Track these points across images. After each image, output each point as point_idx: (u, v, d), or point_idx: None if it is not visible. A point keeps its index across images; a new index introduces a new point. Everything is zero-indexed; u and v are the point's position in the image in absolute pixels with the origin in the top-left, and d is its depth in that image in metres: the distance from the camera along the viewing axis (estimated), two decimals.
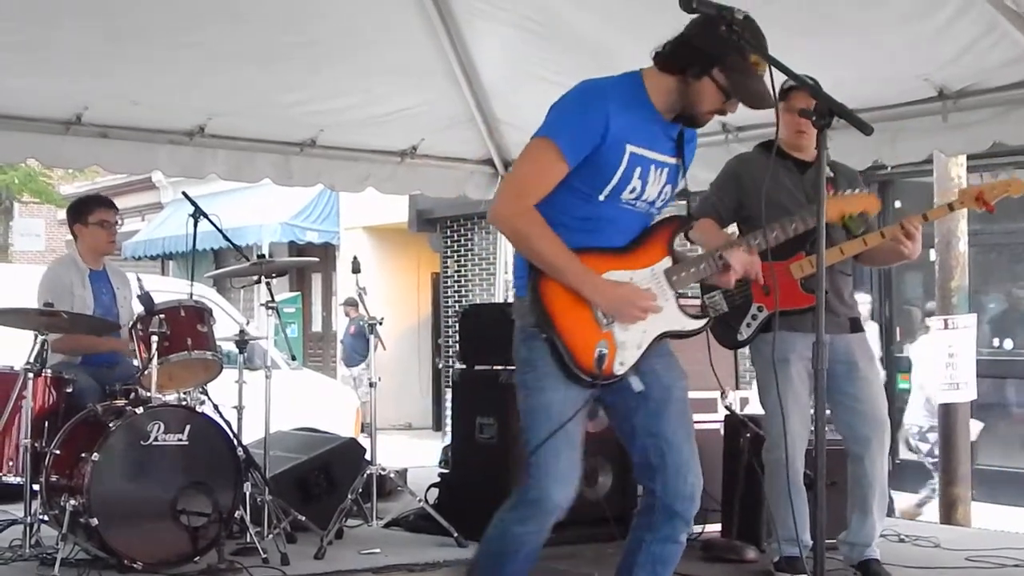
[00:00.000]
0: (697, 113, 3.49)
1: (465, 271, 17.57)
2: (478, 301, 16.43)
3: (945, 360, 8.74)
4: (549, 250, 3.39)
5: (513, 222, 3.44)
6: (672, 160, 3.57)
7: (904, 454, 10.79)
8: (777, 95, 3.52)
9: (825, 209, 3.52)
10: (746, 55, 3.37)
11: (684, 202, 3.77)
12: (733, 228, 5.33)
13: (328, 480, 6.52)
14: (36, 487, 5.41)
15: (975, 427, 9.53)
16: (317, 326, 21.63)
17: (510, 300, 8.41)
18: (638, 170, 3.47)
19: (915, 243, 4.89)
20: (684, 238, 3.86)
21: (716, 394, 6.47)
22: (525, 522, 3.46)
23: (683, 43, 3.45)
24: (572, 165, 3.40)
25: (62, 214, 25.48)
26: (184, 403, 5.63)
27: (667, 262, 3.56)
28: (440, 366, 18.31)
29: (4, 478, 5.56)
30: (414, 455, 11.80)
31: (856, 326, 5.23)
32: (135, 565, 5.17)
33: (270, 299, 6.27)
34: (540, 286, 3.40)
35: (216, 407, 5.79)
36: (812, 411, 4.16)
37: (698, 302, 3.81)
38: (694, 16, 3.39)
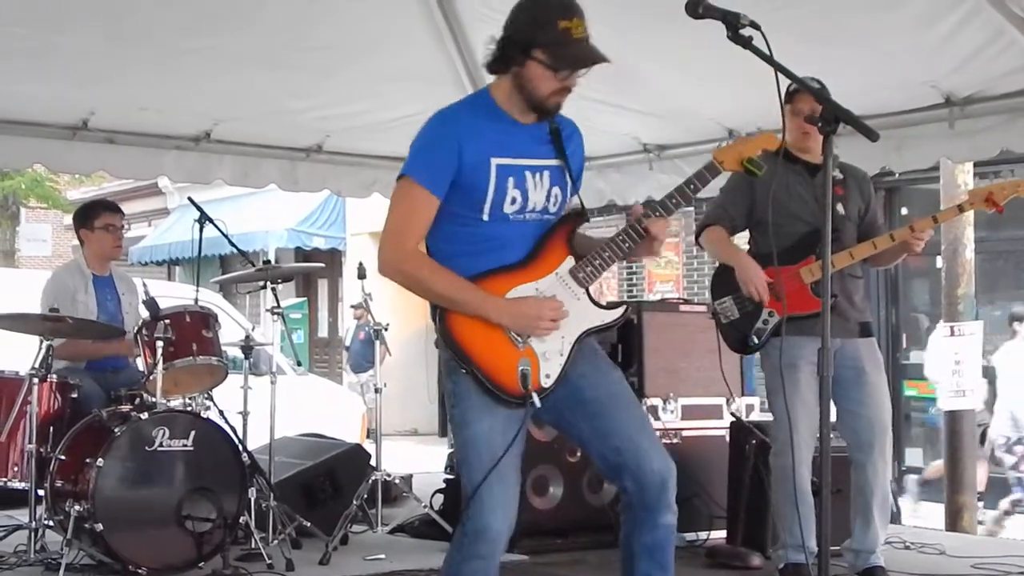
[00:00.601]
0: (540, 99, 3.44)
1: None
2: None
3: (951, 367, 8.74)
4: (442, 285, 3.38)
5: (400, 268, 3.42)
6: (551, 162, 3.52)
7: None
8: (783, 99, 3.51)
9: (724, 159, 3.50)
10: (555, 25, 3.36)
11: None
12: (744, 235, 5.32)
13: (333, 486, 6.52)
14: (41, 492, 5.42)
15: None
16: (323, 332, 21.62)
17: None
18: (511, 180, 3.44)
19: (923, 243, 4.92)
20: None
21: (722, 400, 6.47)
22: (471, 559, 3.41)
23: (501, 40, 3.48)
24: (440, 196, 3.39)
25: (69, 219, 25.55)
26: (189, 409, 5.63)
27: (569, 262, 3.50)
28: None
29: (9, 483, 5.58)
30: (420, 461, 11.78)
31: (866, 330, 5.21)
32: (140, 570, 5.17)
33: (275, 305, 6.27)
34: (448, 321, 3.39)
35: (221, 413, 5.79)
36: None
37: (611, 292, 3.74)
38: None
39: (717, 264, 5.26)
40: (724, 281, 5.15)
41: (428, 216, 3.42)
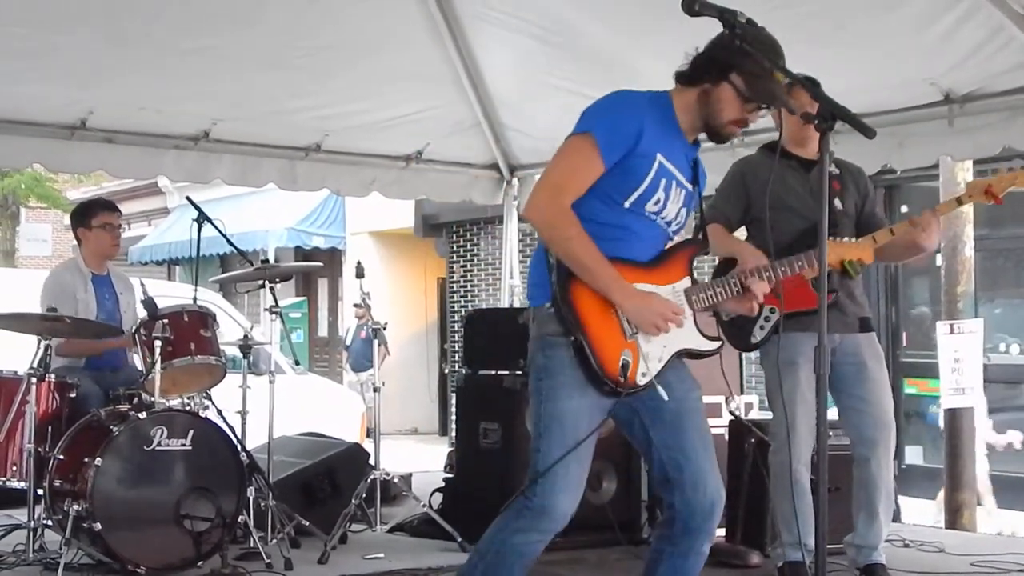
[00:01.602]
0: (720, 124, 3.51)
1: (471, 276, 17.57)
2: (484, 306, 16.43)
3: (951, 365, 8.73)
4: (585, 252, 3.38)
5: (551, 221, 3.42)
6: (688, 185, 3.61)
7: None
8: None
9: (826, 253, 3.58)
10: (761, 60, 3.42)
11: (698, 214, 3.77)
12: (742, 232, 5.30)
13: (332, 485, 6.52)
14: (40, 492, 5.41)
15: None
16: (323, 331, 21.63)
17: (516, 305, 8.45)
18: (663, 182, 3.50)
19: (931, 233, 4.88)
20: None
21: (721, 399, 6.45)
22: (527, 531, 3.44)
23: (700, 55, 3.52)
24: (608, 165, 3.42)
25: (68, 219, 25.53)
26: (188, 408, 5.63)
27: (687, 282, 3.60)
28: (446, 371, 18.31)
29: (8, 483, 5.57)
30: (420, 460, 11.78)
31: (866, 325, 5.20)
32: (139, 570, 5.16)
33: (274, 304, 6.27)
34: (571, 289, 3.40)
35: (220, 412, 5.78)
36: None
37: (713, 323, 3.81)
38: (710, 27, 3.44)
39: (716, 262, 5.24)
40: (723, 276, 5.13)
41: (591, 180, 3.44)
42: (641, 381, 3.44)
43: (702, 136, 3.62)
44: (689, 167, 3.61)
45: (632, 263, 3.49)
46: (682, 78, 3.56)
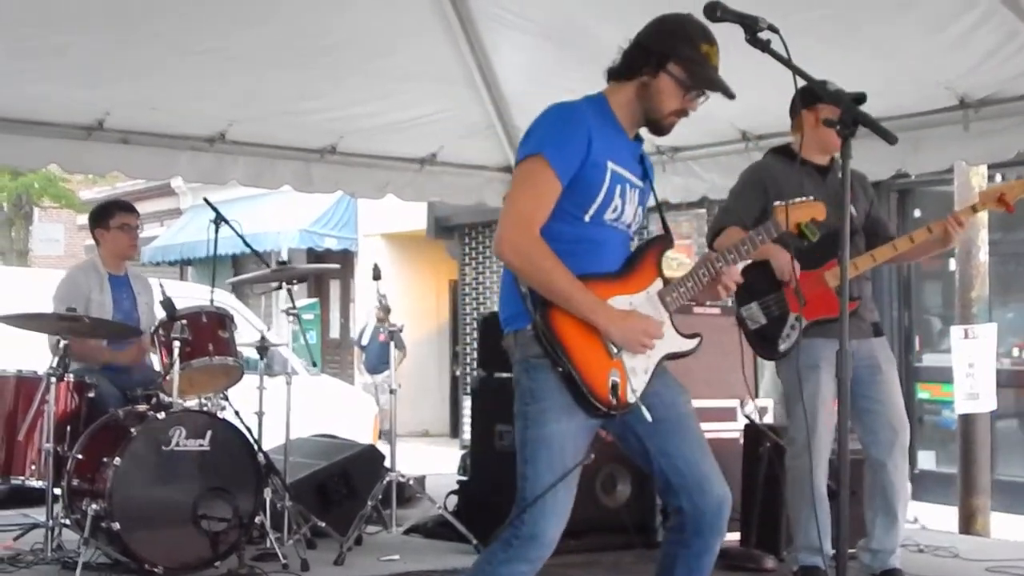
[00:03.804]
0: (661, 116, 3.49)
1: (483, 278, 17.58)
2: (496, 308, 16.41)
3: (965, 370, 8.72)
4: (560, 280, 3.32)
5: (524, 252, 3.35)
6: (639, 182, 3.58)
7: None
8: (798, 101, 3.54)
9: (779, 220, 3.60)
10: (697, 46, 3.41)
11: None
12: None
13: (348, 486, 6.54)
14: (58, 491, 5.44)
15: None
16: (335, 332, 21.65)
17: None
18: (618, 188, 3.46)
19: (956, 235, 4.91)
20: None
21: (735, 403, 6.47)
22: (516, 561, 3.37)
23: (632, 48, 3.50)
24: (565, 183, 3.37)
25: (82, 219, 25.64)
26: (205, 409, 5.66)
27: (659, 283, 3.55)
28: (457, 373, 18.32)
29: (27, 482, 5.61)
30: (431, 462, 11.80)
31: (878, 330, 5.23)
32: (156, 569, 5.20)
33: (291, 305, 6.29)
34: (551, 317, 3.34)
35: (237, 413, 5.81)
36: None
37: (689, 321, 3.77)
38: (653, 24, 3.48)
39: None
40: (748, 286, 5.11)
41: (553, 201, 3.38)
42: (632, 399, 3.40)
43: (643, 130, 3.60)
44: (637, 164, 3.58)
45: (603, 276, 3.44)
46: (616, 74, 3.53)
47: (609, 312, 3.36)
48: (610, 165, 3.43)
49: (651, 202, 3.72)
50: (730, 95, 3.44)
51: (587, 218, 3.43)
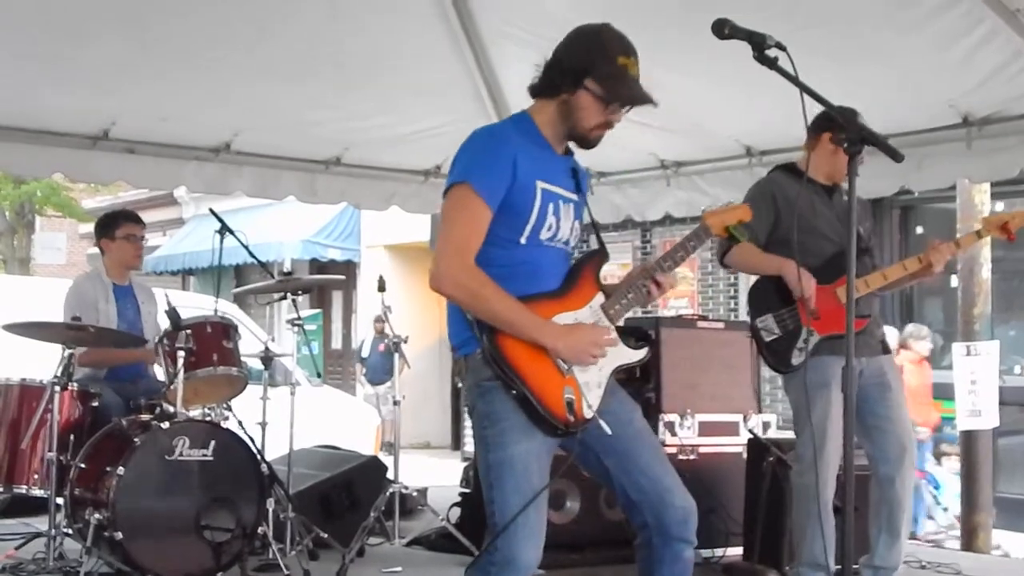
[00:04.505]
0: (585, 130, 3.47)
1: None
2: None
3: (967, 387, 8.73)
4: (502, 306, 3.30)
5: (462, 283, 3.33)
6: (574, 196, 3.56)
7: None
8: (809, 124, 3.53)
9: (709, 224, 3.59)
10: (613, 59, 3.40)
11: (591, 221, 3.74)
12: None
13: (351, 498, 6.54)
14: (60, 500, 5.44)
15: None
16: (337, 343, 21.66)
17: None
18: (551, 206, 3.45)
19: (939, 266, 4.96)
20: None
21: (739, 417, 6.48)
22: None
23: (551, 65, 3.49)
24: (494, 208, 3.35)
25: (84, 228, 25.66)
26: (209, 418, 5.66)
27: (600, 297, 3.52)
28: (459, 385, 18.31)
29: (30, 491, 5.60)
30: (433, 474, 11.81)
31: (886, 347, 5.24)
32: None
33: (296, 316, 6.30)
34: (498, 342, 3.31)
35: (240, 423, 5.82)
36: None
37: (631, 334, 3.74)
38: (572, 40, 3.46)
39: (752, 282, 5.25)
40: (763, 299, 5.12)
41: (484, 228, 3.35)
42: (589, 414, 3.38)
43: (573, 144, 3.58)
44: (569, 178, 3.55)
45: (545, 296, 3.42)
46: (538, 92, 3.52)
47: (553, 329, 3.34)
48: (539, 184, 3.41)
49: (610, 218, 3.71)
50: (652, 104, 3.42)
51: (523, 240, 3.41)
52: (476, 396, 3.41)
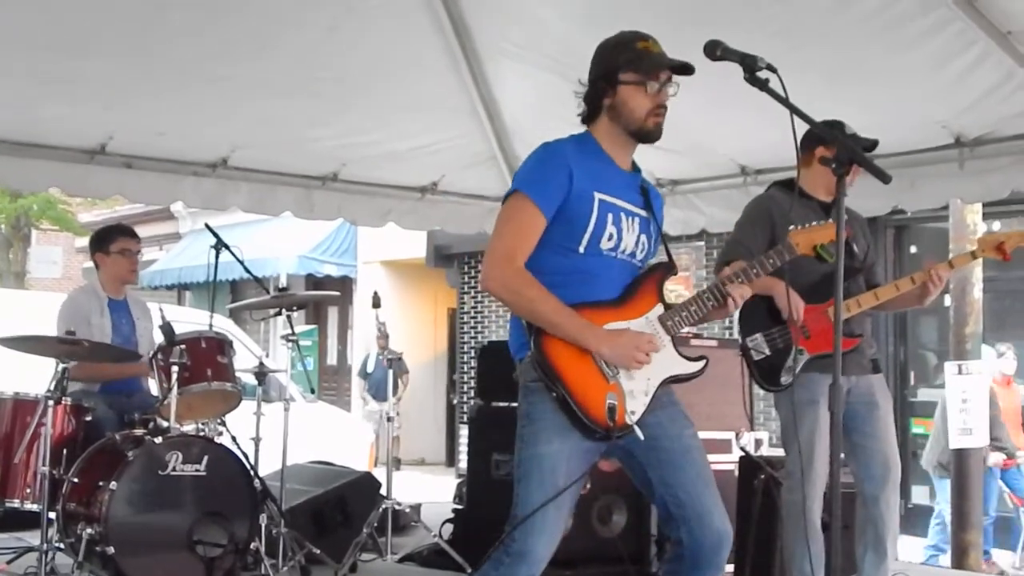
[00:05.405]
0: (640, 122, 3.58)
1: (482, 307, 17.60)
2: (494, 337, 16.44)
3: (959, 405, 8.75)
4: (548, 308, 3.41)
5: (510, 285, 3.46)
6: (641, 211, 3.65)
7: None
8: (799, 143, 3.57)
9: (796, 242, 3.65)
10: (633, 47, 3.56)
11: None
12: None
13: (344, 513, 6.55)
14: (53, 515, 5.44)
15: None
16: (332, 359, 21.67)
17: None
18: (610, 216, 3.54)
19: (941, 287, 4.97)
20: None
21: (731, 435, 6.49)
22: None
23: (588, 87, 3.66)
24: (548, 217, 3.47)
25: (80, 242, 25.68)
26: (202, 434, 5.67)
27: (659, 308, 3.60)
28: (455, 402, 18.32)
29: (22, 505, 5.60)
30: (427, 490, 11.81)
31: (876, 366, 5.25)
32: None
33: (291, 332, 6.32)
34: (543, 344, 3.41)
35: (234, 438, 5.83)
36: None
37: (696, 346, 3.81)
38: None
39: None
40: (753, 318, 5.14)
41: (537, 235, 3.48)
42: (631, 420, 3.44)
43: (643, 148, 3.68)
44: (638, 195, 3.66)
45: (599, 304, 3.50)
46: (588, 115, 3.67)
47: (598, 333, 3.42)
48: (597, 195, 3.52)
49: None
50: (689, 69, 3.53)
51: (581, 249, 3.51)
52: (521, 396, 3.52)
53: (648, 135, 3.61)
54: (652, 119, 3.58)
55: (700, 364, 3.64)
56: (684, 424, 3.61)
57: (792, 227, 3.79)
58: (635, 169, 3.71)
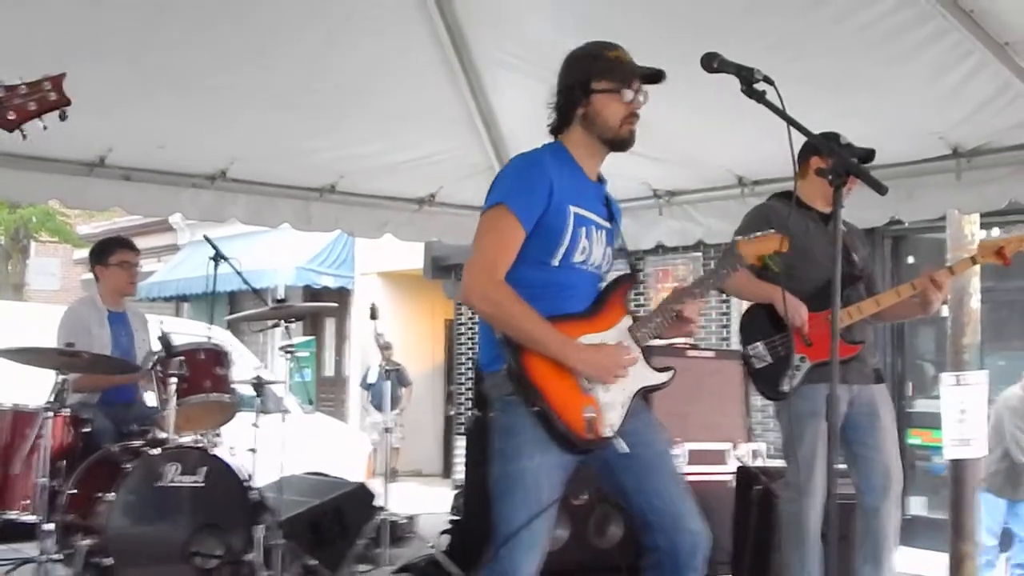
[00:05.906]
0: (614, 129, 3.61)
1: (479, 319, 17.58)
2: None
3: (956, 416, 8.74)
4: (528, 323, 3.41)
5: (491, 297, 3.45)
6: (606, 223, 3.68)
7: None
8: (796, 156, 3.58)
9: (746, 252, 3.69)
10: (604, 55, 3.59)
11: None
12: None
13: (340, 524, 6.55)
14: (51, 526, 5.42)
15: None
16: (330, 371, 21.65)
17: None
18: (583, 230, 3.56)
19: (942, 294, 4.96)
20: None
21: (728, 446, 6.50)
22: None
23: (558, 96, 3.66)
24: (528, 229, 3.48)
25: (79, 253, 25.69)
26: (200, 445, 5.67)
27: (628, 320, 3.64)
28: (451, 413, 18.30)
29: (20, 516, 5.59)
30: (424, 501, 11.78)
31: (879, 376, 5.25)
32: None
33: (289, 343, 6.32)
34: (523, 358, 3.41)
35: (231, 449, 5.83)
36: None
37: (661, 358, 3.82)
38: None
39: (745, 310, 5.28)
40: (754, 326, 5.15)
41: (517, 248, 3.49)
42: (608, 433, 3.46)
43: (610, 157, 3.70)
44: (601, 205, 3.68)
45: (573, 317, 3.52)
46: (558, 125, 3.68)
47: (578, 348, 3.44)
48: (572, 209, 3.53)
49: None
50: (659, 76, 3.58)
51: (556, 262, 3.53)
52: (498, 410, 3.52)
53: (623, 143, 3.63)
54: (626, 126, 3.61)
55: (668, 375, 3.67)
56: (655, 431, 3.65)
57: (739, 237, 3.82)
58: (600, 180, 3.73)
